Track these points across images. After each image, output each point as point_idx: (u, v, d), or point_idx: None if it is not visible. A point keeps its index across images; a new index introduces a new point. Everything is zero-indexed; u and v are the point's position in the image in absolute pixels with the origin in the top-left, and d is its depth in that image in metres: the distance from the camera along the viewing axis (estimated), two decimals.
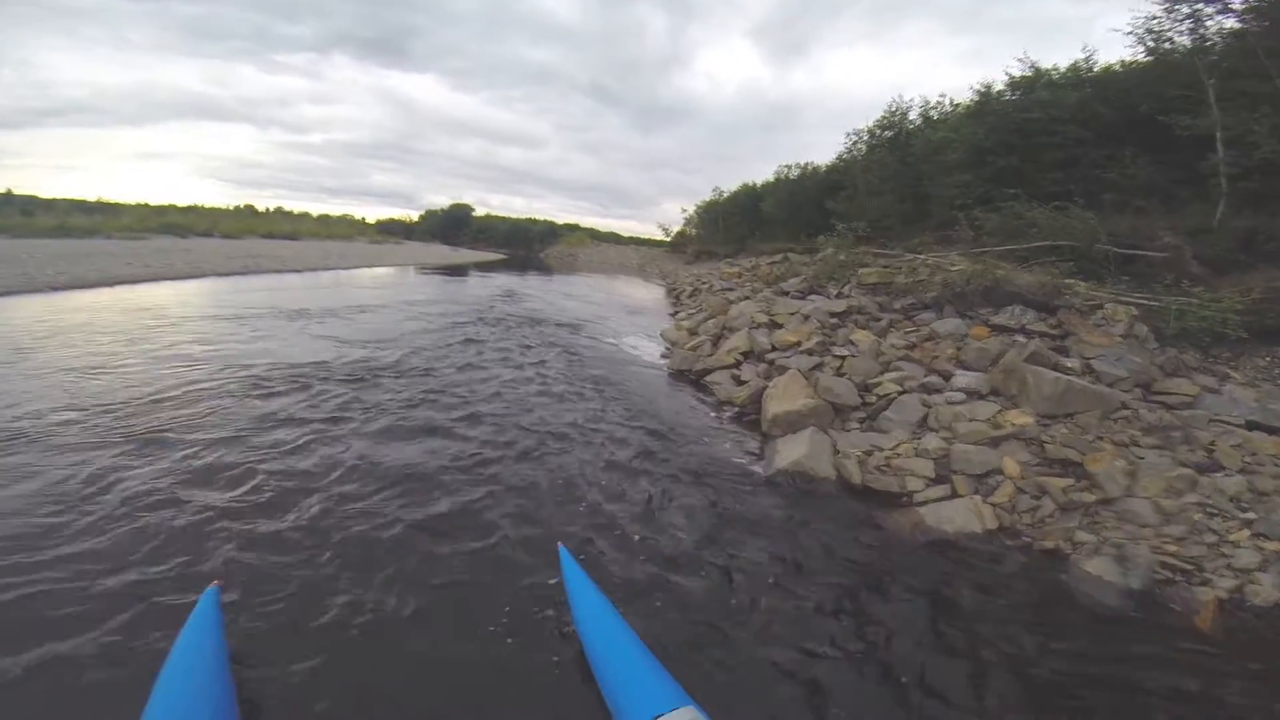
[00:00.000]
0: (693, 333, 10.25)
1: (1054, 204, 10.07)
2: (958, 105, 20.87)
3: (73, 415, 5.16)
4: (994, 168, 15.53)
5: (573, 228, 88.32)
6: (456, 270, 32.22)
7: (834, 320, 8.07)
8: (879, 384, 6.33)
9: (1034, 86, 15.61)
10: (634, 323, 14.17)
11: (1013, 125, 15.58)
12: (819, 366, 6.88)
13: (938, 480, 5.06)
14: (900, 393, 6.16)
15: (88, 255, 17.17)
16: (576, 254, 70.38)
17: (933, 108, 22.95)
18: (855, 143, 26.88)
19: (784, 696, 2.73)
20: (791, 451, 5.43)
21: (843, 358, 6.98)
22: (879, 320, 7.88)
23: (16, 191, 50.36)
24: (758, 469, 5.50)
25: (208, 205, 58.28)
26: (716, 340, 9.15)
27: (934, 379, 6.36)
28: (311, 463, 4.61)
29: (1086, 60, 15.71)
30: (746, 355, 8.18)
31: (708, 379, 8.13)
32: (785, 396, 6.27)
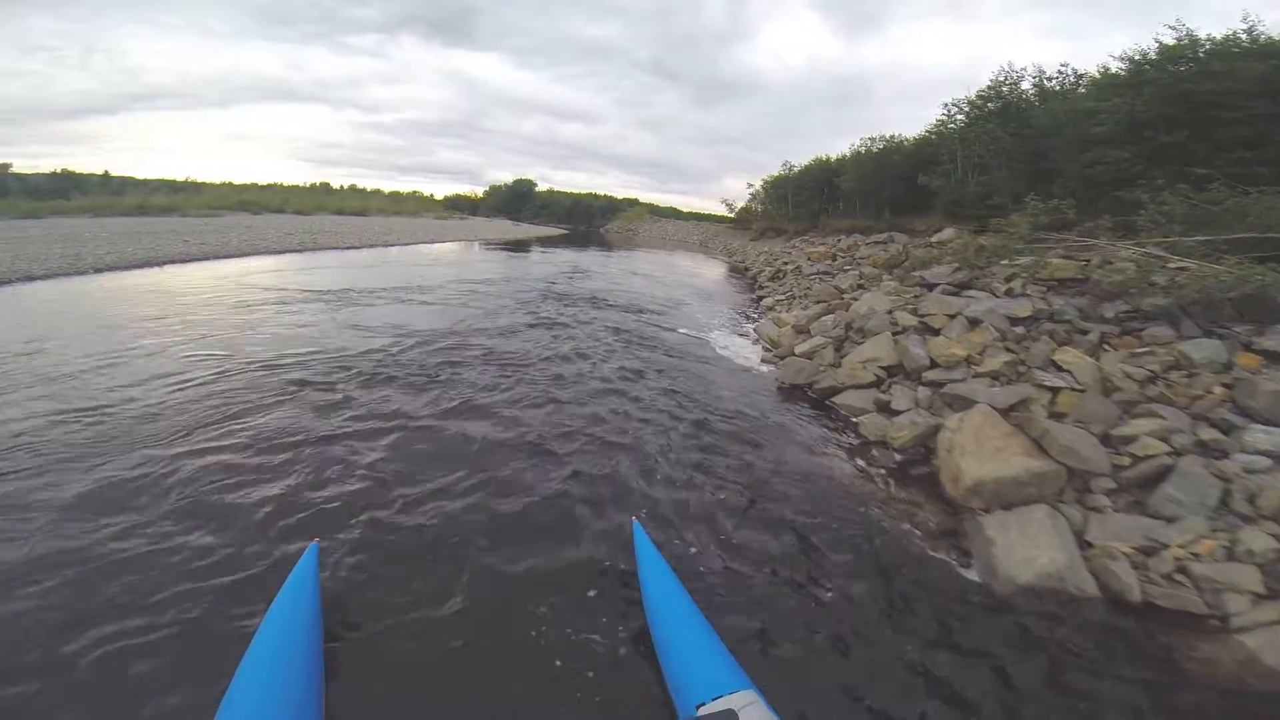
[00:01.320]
0: (801, 331, 8.18)
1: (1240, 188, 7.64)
2: (1094, 74, 17.61)
3: None
4: (1152, 144, 12.68)
5: (632, 202, 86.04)
6: (519, 246, 30.80)
7: (1018, 329, 5.84)
8: (1132, 437, 4.17)
9: (1198, 56, 12.64)
10: (713, 311, 12.17)
11: (1175, 97, 12.56)
12: (1024, 403, 4.74)
13: (1270, 596, 3.11)
14: (1169, 453, 4.00)
15: (149, 234, 16.52)
16: (636, 229, 68.42)
17: (1050, 78, 19.66)
18: (953, 114, 23.71)
19: None
20: (1030, 551, 3.41)
21: (1054, 390, 4.82)
22: (1084, 333, 5.60)
23: (113, 173, 53.06)
24: (968, 573, 3.54)
25: (286, 184, 59.49)
26: (840, 345, 7.09)
27: (1211, 434, 4.16)
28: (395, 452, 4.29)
29: (1249, 30, 12.53)
30: (891, 371, 6.11)
31: (836, 399, 6.12)
32: (984, 449, 4.21)
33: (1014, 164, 19.28)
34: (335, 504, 3.54)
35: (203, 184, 52.46)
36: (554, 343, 8.00)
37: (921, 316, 6.68)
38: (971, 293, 6.98)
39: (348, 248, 18.71)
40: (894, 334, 6.54)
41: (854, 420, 5.70)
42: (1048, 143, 16.91)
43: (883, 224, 28.26)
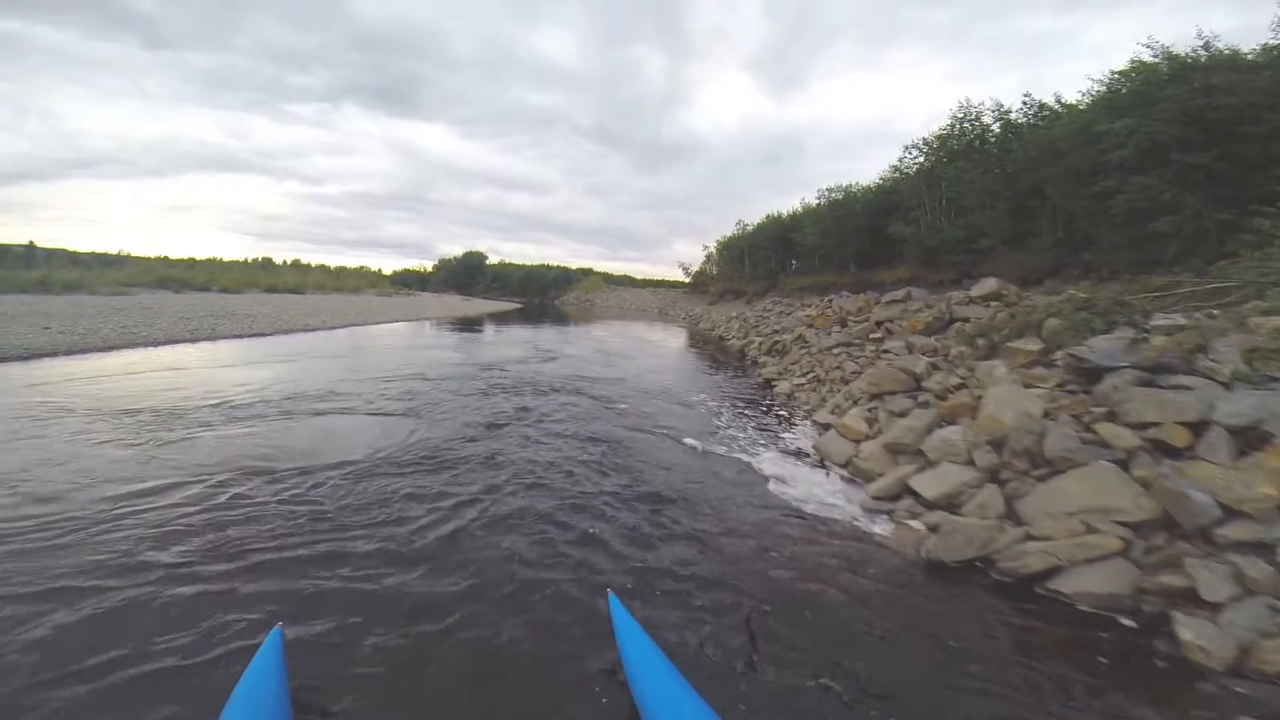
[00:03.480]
0: (900, 451, 5.26)
1: None
2: (1054, 103, 16.31)
3: None
4: (1175, 167, 11.01)
5: (586, 272, 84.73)
6: (469, 324, 27.65)
7: None
8: None
9: (1205, 68, 11.29)
10: (717, 404, 8.86)
11: (1189, 116, 11.01)
12: None
13: None
14: None
15: (12, 317, 12.83)
16: (593, 300, 66.38)
17: (1007, 111, 18.23)
18: (913, 158, 22.35)
19: None
20: None
21: None
22: None
23: (41, 244, 47.76)
24: None
25: (226, 259, 55.19)
26: (996, 477, 4.23)
27: None
28: None
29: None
30: (1140, 528, 3.29)
31: (1054, 585, 3.23)
32: None
33: (997, 202, 17.61)
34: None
35: (136, 258, 47.92)
36: (514, 480, 4.91)
37: (1140, 429, 3.93)
38: (1181, 379, 4.32)
39: (254, 335, 15.12)
40: (1114, 462, 3.74)
41: (1097, 623, 2.78)
42: (1038, 175, 15.18)
43: (848, 278, 26.53)
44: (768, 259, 39.32)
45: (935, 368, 6.96)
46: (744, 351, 15.37)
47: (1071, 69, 27.17)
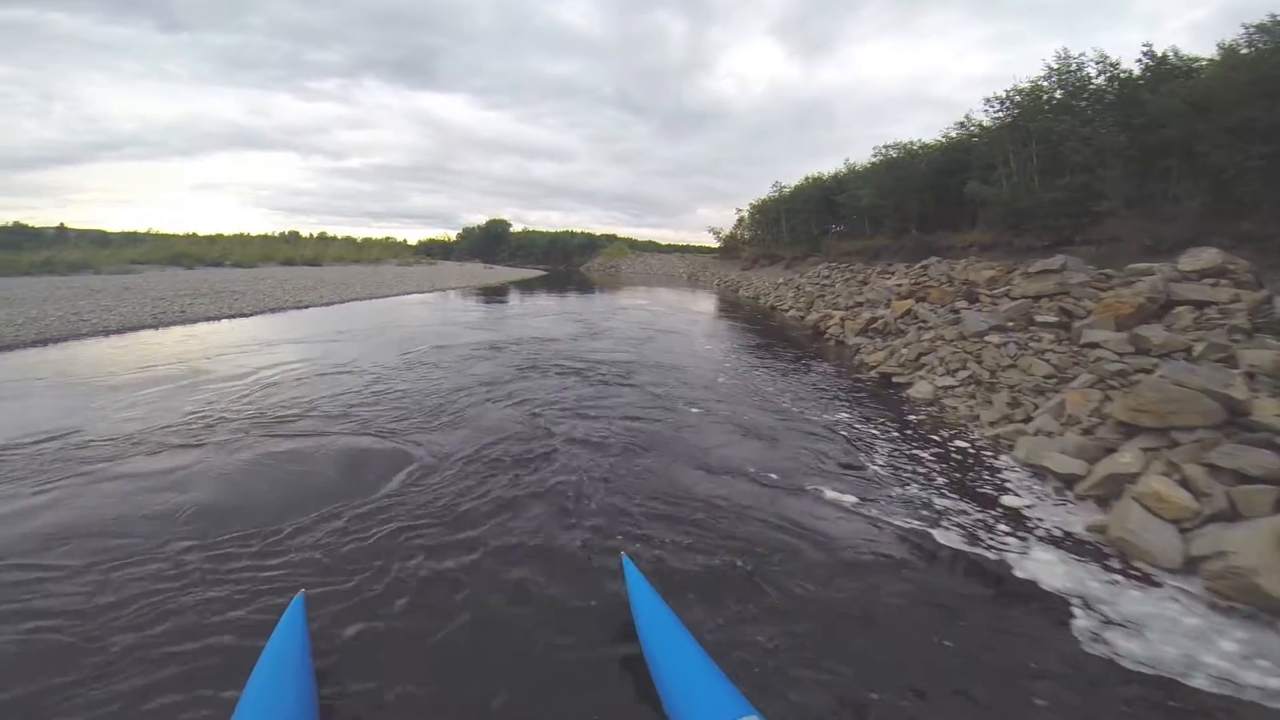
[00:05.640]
0: None
1: None
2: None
3: None
4: None
5: (610, 238, 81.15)
6: (493, 293, 24.94)
7: None
8: None
9: None
10: (874, 438, 5.30)
11: None
12: None
13: None
14: None
15: None
16: (619, 265, 62.90)
17: (1114, 64, 15.28)
18: (994, 111, 18.74)
19: None
20: None
21: None
22: None
23: (71, 225, 46.41)
24: None
25: (254, 233, 53.18)
26: None
27: None
28: None
29: None
30: None
31: None
32: None
33: (1116, 160, 14.39)
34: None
35: (159, 235, 46.30)
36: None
37: None
38: None
39: (234, 316, 12.48)
40: None
41: None
42: (1179, 130, 12.04)
43: (907, 241, 23.30)
44: (807, 222, 36.16)
45: (1254, 388, 3.97)
46: (820, 329, 12.24)
47: (1116, 38, 23.16)
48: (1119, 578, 3.17)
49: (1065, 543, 3.51)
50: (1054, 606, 2.95)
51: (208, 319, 11.84)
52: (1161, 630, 2.74)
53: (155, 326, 10.86)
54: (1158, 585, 3.10)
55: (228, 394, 6.21)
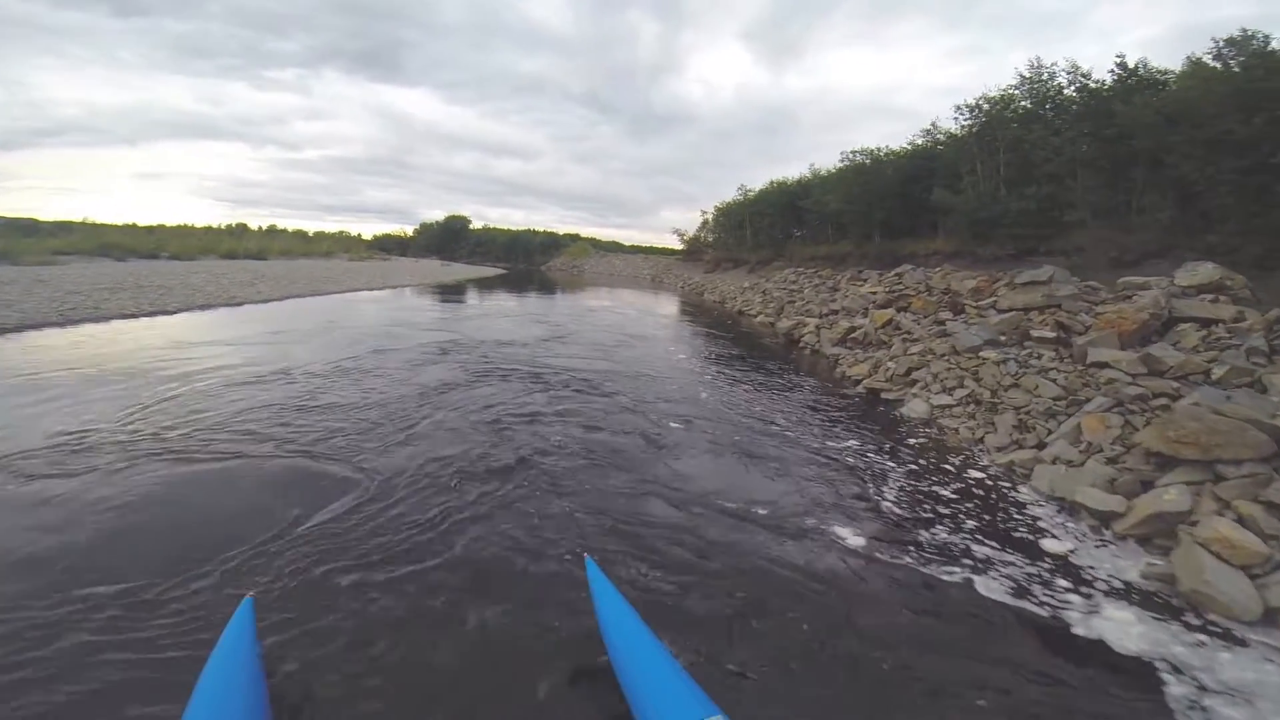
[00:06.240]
0: None
1: None
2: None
3: None
4: None
5: (573, 237, 79.90)
6: (449, 291, 23.78)
7: None
8: None
9: None
10: (877, 467, 4.67)
11: None
12: None
13: None
14: None
15: None
16: (581, 265, 61.79)
17: (1084, 74, 15.43)
18: (963, 118, 18.83)
19: None
20: None
21: None
22: None
23: (6, 214, 42.41)
24: None
25: (200, 225, 49.70)
26: None
27: None
28: None
29: None
30: None
31: None
32: None
33: (1085, 171, 14.52)
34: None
35: (92, 224, 42.74)
36: None
37: None
38: None
39: (154, 313, 11.09)
40: None
41: None
42: (1150, 142, 12.16)
43: (872, 248, 23.33)
44: (771, 226, 36.14)
45: None
46: (795, 337, 11.79)
47: (1078, 50, 24.08)
48: (1202, 636, 2.71)
49: (1129, 595, 3.04)
50: (1135, 671, 2.50)
51: (124, 316, 10.48)
52: (1274, 699, 2.29)
53: (62, 324, 9.52)
54: (1243, 643, 2.66)
55: (125, 405, 5.21)
